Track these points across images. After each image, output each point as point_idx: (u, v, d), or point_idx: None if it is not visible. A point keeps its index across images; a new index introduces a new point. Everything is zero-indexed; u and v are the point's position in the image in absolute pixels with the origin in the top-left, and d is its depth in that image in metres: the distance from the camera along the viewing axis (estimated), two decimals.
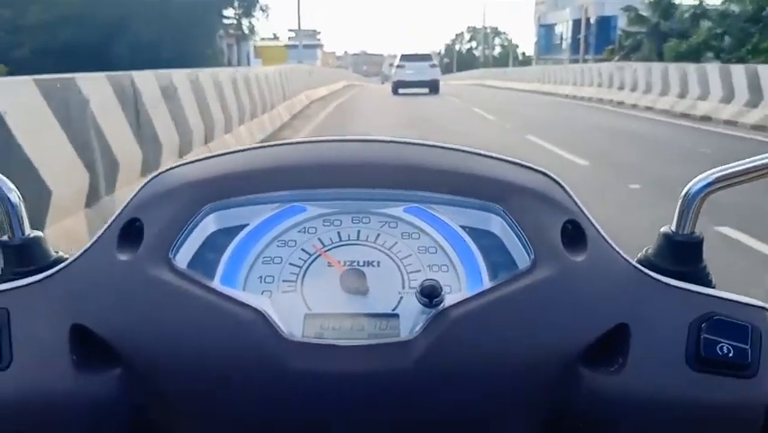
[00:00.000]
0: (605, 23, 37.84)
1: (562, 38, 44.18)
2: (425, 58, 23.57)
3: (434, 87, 22.60)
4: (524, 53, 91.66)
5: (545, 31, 46.73)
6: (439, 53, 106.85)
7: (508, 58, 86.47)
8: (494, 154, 0.53)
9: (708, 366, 0.44)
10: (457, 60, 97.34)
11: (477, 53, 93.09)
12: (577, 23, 39.65)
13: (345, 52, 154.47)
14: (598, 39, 37.69)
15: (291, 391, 0.41)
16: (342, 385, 0.41)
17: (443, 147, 0.53)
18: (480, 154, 0.52)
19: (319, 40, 75.83)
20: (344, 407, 0.41)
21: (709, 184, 0.50)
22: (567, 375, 0.44)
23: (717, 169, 0.51)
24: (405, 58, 23.37)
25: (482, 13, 75.67)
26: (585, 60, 36.75)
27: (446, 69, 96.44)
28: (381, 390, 0.41)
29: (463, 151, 0.53)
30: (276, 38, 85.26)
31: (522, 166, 0.52)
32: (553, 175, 0.52)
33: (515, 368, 0.43)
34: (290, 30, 78.48)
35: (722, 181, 0.50)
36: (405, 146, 0.53)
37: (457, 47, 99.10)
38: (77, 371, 0.44)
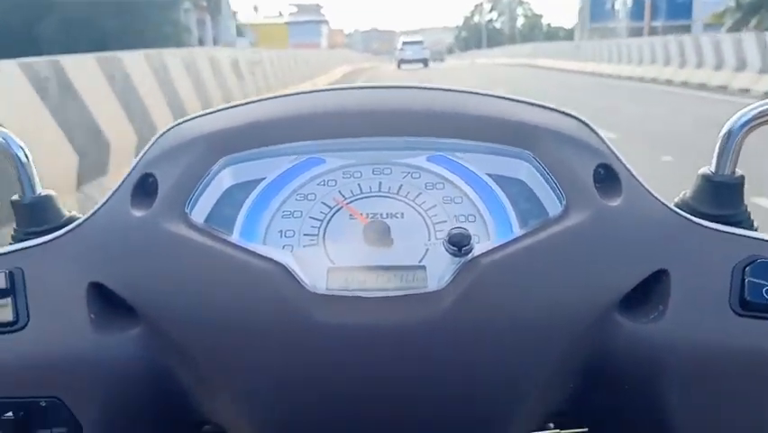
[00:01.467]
0: None
1: (615, 1, 36.41)
2: (418, 43, 36.10)
3: (424, 62, 33.69)
4: (549, 24, 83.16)
5: None
6: (457, 27, 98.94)
7: (534, 29, 78.02)
8: (521, 98, 0.51)
9: (754, 310, 0.43)
10: (477, 35, 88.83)
11: (498, 25, 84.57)
12: None
13: (355, 30, 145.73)
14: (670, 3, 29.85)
15: (316, 344, 0.41)
16: (369, 337, 0.41)
17: (465, 92, 0.51)
18: (505, 98, 0.51)
19: (323, 15, 67.68)
20: (371, 359, 0.41)
21: (750, 120, 0.48)
22: (604, 324, 0.43)
23: (758, 103, 0.49)
24: (404, 44, 36.43)
25: None
26: (653, 29, 28.82)
27: (465, 46, 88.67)
28: (410, 341, 0.41)
29: (487, 95, 0.51)
30: (281, 16, 77.53)
31: (550, 109, 0.50)
32: (582, 118, 0.50)
33: (549, 317, 0.42)
34: (291, 4, 70.46)
35: (763, 117, 0.48)
36: (425, 92, 0.51)
37: (476, 18, 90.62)
38: (96, 329, 0.43)
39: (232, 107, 0.51)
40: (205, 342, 0.42)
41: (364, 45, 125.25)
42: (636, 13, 32.41)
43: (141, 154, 0.48)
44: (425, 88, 0.52)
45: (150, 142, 0.49)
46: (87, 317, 0.43)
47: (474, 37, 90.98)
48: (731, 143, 0.48)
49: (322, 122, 0.48)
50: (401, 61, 33.88)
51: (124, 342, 0.43)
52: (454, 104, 0.50)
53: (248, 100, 0.51)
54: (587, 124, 0.49)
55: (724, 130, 0.48)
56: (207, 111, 0.51)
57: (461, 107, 0.49)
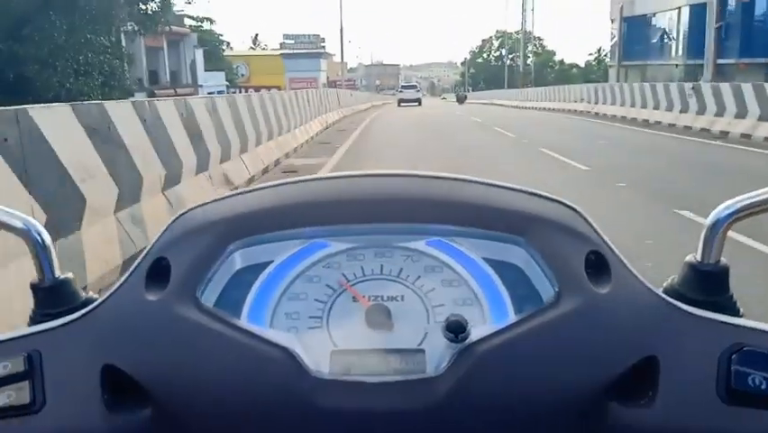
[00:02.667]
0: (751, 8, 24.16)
1: (665, 35, 30.51)
2: (413, 87, 48.97)
3: (418, 101, 44.37)
4: (562, 60, 78.02)
5: (634, 26, 33.12)
6: (464, 63, 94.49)
7: (545, 68, 72.89)
8: (515, 186, 0.53)
9: (740, 399, 0.44)
10: (485, 72, 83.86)
11: (509, 62, 79.37)
12: (699, 11, 25.98)
13: (359, 63, 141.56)
14: (747, 31, 23.94)
15: (319, 430, 0.42)
16: (369, 423, 0.42)
17: (463, 180, 0.53)
18: (500, 186, 0.53)
19: (324, 48, 62.01)
20: None
21: (735, 212, 0.49)
22: (595, 409, 0.44)
23: (743, 196, 0.50)
24: (403, 87, 49.30)
25: (520, 11, 63.35)
26: (719, 68, 22.81)
27: (472, 83, 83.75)
28: (409, 427, 0.42)
29: (484, 183, 0.53)
30: (257, 45, 71.94)
31: (543, 197, 0.52)
32: (574, 206, 0.52)
33: (542, 403, 0.43)
34: (287, 35, 65.09)
35: (748, 209, 0.50)
36: (425, 180, 0.54)
37: (484, 55, 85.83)
38: (109, 412, 0.44)
39: (241, 193, 0.53)
40: (211, 425, 0.43)
41: (367, 79, 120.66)
42: (695, 47, 26.41)
43: (155, 239, 0.50)
44: (424, 177, 0.54)
45: (165, 227, 0.51)
46: (101, 399, 0.44)
47: (482, 75, 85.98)
48: (715, 233, 0.49)
49: (327, 208, 0.50)
50: (401, 100, 44.30)
51: (136, 423, 0.44)
52: (452, 191, 0.51)
53: (257, 186, 0.54)
54: (578, 212, 0.51)
55: (709, 221, 0.49)
56: (219, 197, 0.53)
57: (457, 195, 0.51)
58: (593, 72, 74.07)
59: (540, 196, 0.52)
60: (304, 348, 0.44)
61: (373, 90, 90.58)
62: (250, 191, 0.53)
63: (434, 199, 0.50)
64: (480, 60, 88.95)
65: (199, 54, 35.19)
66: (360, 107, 30.16)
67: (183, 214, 0.52)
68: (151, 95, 21.01)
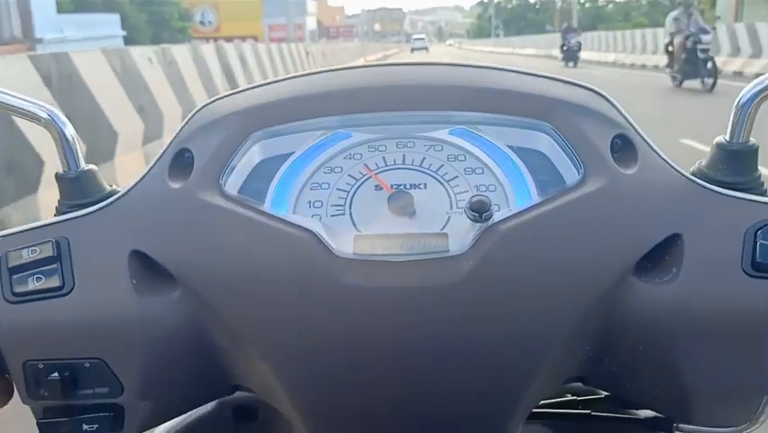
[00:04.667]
0: None
1: None
2: (422, 39, 67.08)
3: (426, 48, 61.37)
4: None
5: None
6: (482, 2, 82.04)
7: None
8: (539, 72, 0.53)
9: (765, 271, 0.44)
10: (504, 13, 71.01)
11: (532, 0, 66.74)
12: None
13: (362, 10, 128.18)
14: None
15: (344, 306, 0.43)
16: (393, 299, 0.43)
17: (485, 67, 0.53)
18: (523, 73, 0.52)
19: None
20: (396, 319, 0.43)
21: (763, 90, 0.49)
22: (620, 286, 0.44)
23: None
24: (415, 40, 67.65)
25: None
26: None
27: (482, 32, 71.51)
28: (432, 303, 0.43)
29: (507, 70, 0.52)
30: None
31: (568, 83, 0.52)
32: (600, 90, 0.51)
33: (566, 280, 0.43)
34: None
35: None
36: (447, 68, 0.53)
37: None
38: (138, 294, 0.45)
39: (262, 85, 0.53)
40: (238, 306, 0.44)
41: (370, 27, 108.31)
42: None
43: (177, 131, 0.50)
44: (447, 65, 0.53)
45: (186, 119, 0.51)
46: (129, 283, 0.46)
47: (500, 17, 73.30)
48: (745, 112, 0.49)
49: (348, 98, 0.50)
50: (413, 49, 59.23)
51: (164, 306, 0.45)
52: (475, 79, 0.51)
53: (278, 78, 0.53)
54: (605, 97, 0.50)
55: (738, 99, 0.49)
56: (239, 89, 0.53)
57: (481, 82, 0.50)
58: (636, 9, 61.90)
59: (565, 81, 0.51)
60: (327, 232, 0.44)
61: (372, 39, 79.29)
62: (271, 83, 0.53)
63: (458, 87, 0.50)
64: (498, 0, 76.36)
65: None
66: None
67: (204, 106, 0.52)
68: None
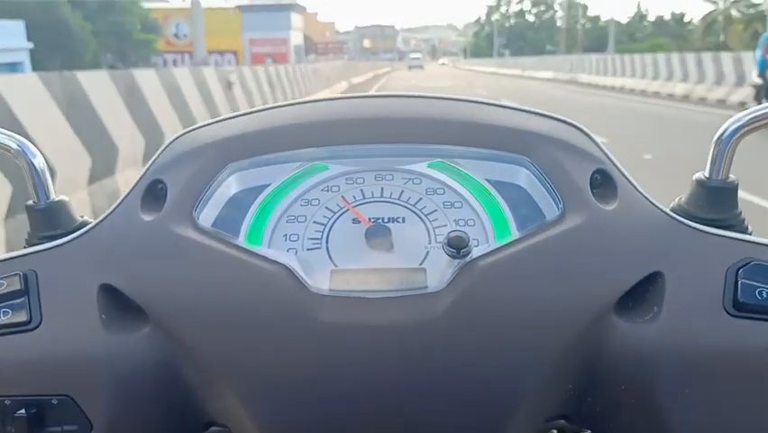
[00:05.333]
0: None
1: None
2: (418, 58, 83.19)
3: (421, 66, 69.86)
4: (597, 16, 62.15)
5: None
6: (478, 20, 78.77)
7: (575, 22, 57.20)
8: (519, 106, 0.53)
9: (747, 311, 0.43)
10: (505, 32, 67.51)
11: (531, 18, 63.24)
12: None
13: (355, 26, 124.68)
14: None
15: (319, 343, 0.42)
16: (370, 337, 0.42)
17: (465, 100, 0.52)
18: (504, 107, 0.52)
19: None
20: (372, 357, 0.42)
21: (743, 126, 0.49)
22: (601, 325, 0.44)
23: (751, 110, 0.50)
24: (412, 59, 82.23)
25: None
26: None
27: (480, 51, 67.88)
28: (410, 341, 0.42)
29: (486, 103, 0.52)
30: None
31: (547, 117, 0.52)
32: (579, 124, 0.51)
33: (545, 318, 0.43)
34: None
35: (756, 122, 0.49)
36: (426, 100, 0.53)
37: (503, 9, 69.74)
38: (107, 330, 0.44)
39: (238, 116, 0.52)
40: (210, 342, 0.43)
41: (361, 44, 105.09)
42: None
43: (150, 161, 0.50)
44: (425, 97, 0.53)
45: (160, 150, 0.50)
46: (98, 318, 0.44)
47: (501, 35, 69.86)
48: (724, 149, 0.49)
49: (325, 129, 0.49)
50: (410, 66, 64.70)
51: (134, 342, 0.44)
52: (454, 112, 0.51)
53: (254, 109, 0.53)
54: (583, 131, 0.50)
55: (717, 135, 0.49)
56: (215, 120, 0.52)
57: (460, 115, 0.50)
58: (640, 30, 58.54)
59: (544, 115, 0.51)
60: (303, 267, 0.44)
61: (363, 56, 76.17)
62: (247, 114, 0.52)
63: (436, 120, 0.49)
64: (496, 18, 72.81)
65: None
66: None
67: (179, 136, 0.51)
68: None
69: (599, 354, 0.44)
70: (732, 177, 0.49)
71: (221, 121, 0.52)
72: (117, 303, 0.45)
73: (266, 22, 40.72)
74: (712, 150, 0.49)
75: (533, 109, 0.52)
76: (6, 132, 0.51)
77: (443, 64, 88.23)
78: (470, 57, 77.04)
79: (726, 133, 0.49)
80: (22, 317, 0.44)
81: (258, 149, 0.48)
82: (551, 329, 0.42)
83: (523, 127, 0.49)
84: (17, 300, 0.45)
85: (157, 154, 0.49)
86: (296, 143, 0.48)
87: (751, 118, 0.49)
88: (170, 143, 0.50)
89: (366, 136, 0.48)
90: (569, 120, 0.51)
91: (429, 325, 0.41)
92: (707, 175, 0.50)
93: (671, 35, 53.18)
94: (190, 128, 0.51)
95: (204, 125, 0.51)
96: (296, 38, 44.57)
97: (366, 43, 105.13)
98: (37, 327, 0.44)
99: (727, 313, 0.43)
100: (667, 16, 58.89)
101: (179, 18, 40.20)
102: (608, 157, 0.49)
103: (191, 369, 0.44)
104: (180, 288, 0.43)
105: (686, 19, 57.12)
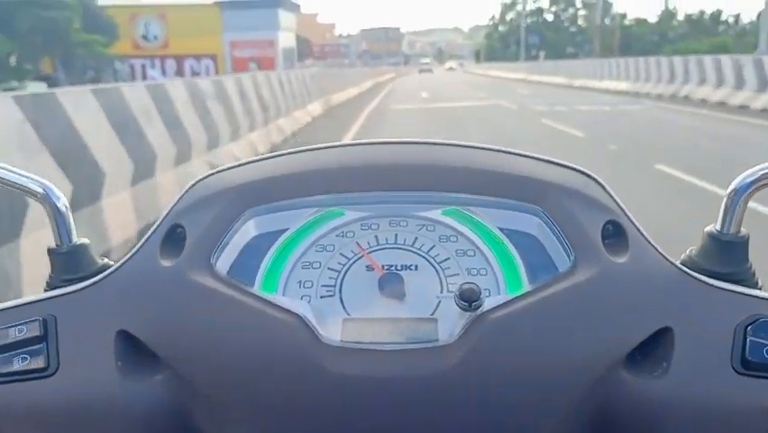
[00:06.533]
0: None
1: None
2: (427, 63, 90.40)
3: (430, 70, 72.82)
4: (623, 14, 55.81)
5: None
6: (492, 18, 72.81)
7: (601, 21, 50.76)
8: (532, 154, 0.53)
9: (755, 370, 0.43)
10: (517, 33, 60.95)
11: (549, 17, 56.78)
12: None
13: (361, 30, 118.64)
14: None
15: (329, 394, 0.42)
16: (380, 389, 0.42)
17: (479, 148, 0.53)
18: (517, 154, 0.53)
19: None
20: (383, 411, 0.42)
21: (755, 181, 0.48)
22: (609, 380, 0.44)
23: (763, 165, 0.49)
24: (422, 64, 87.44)
25: None
26: None
27: (494, 54, 61.87)
28: (420, 394, 0.42)
29: (501, 151, 0.53)
30: None
31: (560, 165, 0.52)
32: (592, 174, 0.51)
33: (555, 372, 0.43)
34: None
35: None
36: (441, 147, 0.54)
37: (518, 7, 63.31)
38: (123, 377, 0.45)
39: (257, 161, 0.53)
40: (223, 389, 0.44)
41: (360, 47, 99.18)
42: None
43: (171, 205, 0.50)
44: (441, 144, 0.54)
45: (180, 194, 0.51)
46: (115, 364, 0.45)
47: (513, 36, 63.42)
48: (736, 203, 0.49)
49: (342, 176, 0.50)
50: (420, 71, 67.10)
51: (148, 388, 0.45)
52: (468, 160, 0.51)
53: (273, 154, 0.54)
54: (597, 181, 0.51)
55: (729, 189, 0.49)
56: (234, 164, 0.53)
57: (474, 163, 0.51)
58: (672, 29, 52.18)
59: (558, 164, 0.51)
60: (316, 316, 0.44)
61: (366, 60, 70.50)
62: (266, 158, 0.53)
63: (451, 168, 0.50)
64: (511, 17, 66.48)
65: None
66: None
67: (198, 181, 0.51)
68: None
69: (608, 410, 0.44)
70: (743, 230, 0.49)
71: (239, 166, 0.52)
72: (133, 349, 0.45)
73: (250, 21, 34.48)
74: (723, 203, 0.49)
75: (548, 158, 0.52)
76: (31, 175, 0.51)
77: (450, 68, 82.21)
78: (487, 60, 70.74)
79: (739, 188, 0.48)
80: (40, 363, 0.45)
81: (276, 195, 0.48)
82: (560, 383, 0.43)
83: (536, 176, 0.49)
84: (36, 346, 0.45)
85: (177, 198, 0.50)
86: (313, 190, 0.48)
87: (763, 174, 0.48)
88: (191, 187, 0.51)
89: (382, 183, 0.49)
90: (583, 169, 0.51)
91: (439, 378, 0.42)
92: (718, 228, 0.49)
93: (706, 34, 47.14)
94: (210, 172, 0.52)
95: (224, 169, 0.52)
96: (286, 40, 38.35)
97: (364, 45, 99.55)
98: (54, 373, 0.45)
99: (735, 371, 0.43)
100: (695, 14, 52.73)
101: (149, 16, 34.17)
102: (621, 208, 0.49)
103: (204, 416, 0.45)
104: (195, 336, 0.44)
105: (722, 17, 50.98)
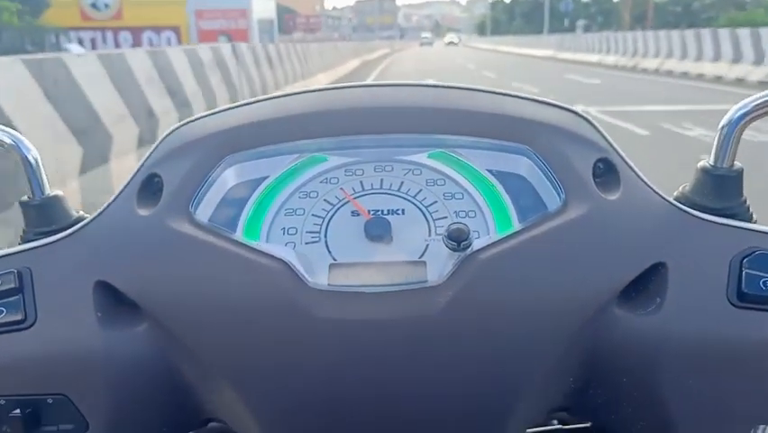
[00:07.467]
0: None
1: None
2: (428, 37, 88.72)
3: (431, 43, 78.64)
4: None
5: None
6: None
7: None
8: (520, 94, 0.52)
9: (751, 302, 0.43)
10: (524, 8, 55.10)
11: None
12: None
13: (356, 1, 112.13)
14: None
15: (318, 339, 0.42)
16: (369, 332, 0.42)
17: (465, 88, 0.52)
18: (505, 94, 0.52)
19: None
20: (372, 353, 0.42)
21: (748, 112, 0.48)
22: (603, 317, 0.43)
23: (756, 95, 0.49)
24: (423, 37, 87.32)
25: None
26: None
27: (498, 27, 56.56)
28: (410, 335, 0.42)
29: (487, 91, 0.52)
30: None
31: (549, 105, 0.51)
32: (582, 113, 0.50)
33: (546, 310, 0.42)
34: None
35: (761, 109, 0.48)
36: (426, 89, 0.52)
37: None
38: (103, 327, 0.44)
39: (235, 107, 0.52)
40: (207, 338, 0.43)
41: (360, 19, 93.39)
42: None
43: (146, 155, 0.49)
44: (425, 86, 0.52)
45: (156, 143, 0.50)
46: (94, 316, 0.44)
47: (522, 5, 57.75)
48: (729, 136, 0.48)
49: (324, 120, 0.48)
50: (421, 43, 74.04)
51: (130, 339, 0.44)
52: (455, 101, 0.50)
53: (251, 100, 0.52)
54: (587, 119, 0.50)
55: (722, 122, 0.48)
56: (211, 111, 0.52)
57: (461, 104, 0.50)
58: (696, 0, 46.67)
59: (547, 103, 0.51)
60: (301, 262, 0.43)
61: (359, 33, 64.85)
62: (243, 105, 0.52)
63: (437, 109, 0.49)
64: None
65: None
66: None
67: (174, 129, 0.50)
68: None
69: (602, 346, 0.44)
70: (737, 164, 0.48)
71: (217, 113, 0.51)
72: (113, 300, 0.44)
73: None
74: (717, 137, 0.48)
75: (535, 97, 0.51)
76: (2, 127, 0.50)
77: (450, 43, 75.74)
78: (492, 34, 64.73)
79: (732, 120, 0.48)
80: (17, 315, 0.44)
81: (255, 141, 0.47)
82: (552, 322, 0.42)
83: (525, 116, 0.48)
84: (12, 298, 0.44)
85: (153, 147, 0.49)
86: (294, 135, 0.47)
87: (756, 105, 0.48)
88: (166, 136, 0.49)
89: (365, 127, 0.48)
90: (572, 108, 0.50)
91: (429, 319, 0.41)
92: (711, 163, 0.49)
93: (734, 5, 41.88)
94: (186, 120, 0.51)
95: (200, 117, 0.51)
96: (264, 10, 32.89)
97: (349, 16, 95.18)
98: (32, 325, 0.44)
99: (731, 304, 0.43)
100: None
101: None
102: (612, 145, 0.48)
103: (188, 365, 0.44)
104: (177, 284, 0.43)
105: None
